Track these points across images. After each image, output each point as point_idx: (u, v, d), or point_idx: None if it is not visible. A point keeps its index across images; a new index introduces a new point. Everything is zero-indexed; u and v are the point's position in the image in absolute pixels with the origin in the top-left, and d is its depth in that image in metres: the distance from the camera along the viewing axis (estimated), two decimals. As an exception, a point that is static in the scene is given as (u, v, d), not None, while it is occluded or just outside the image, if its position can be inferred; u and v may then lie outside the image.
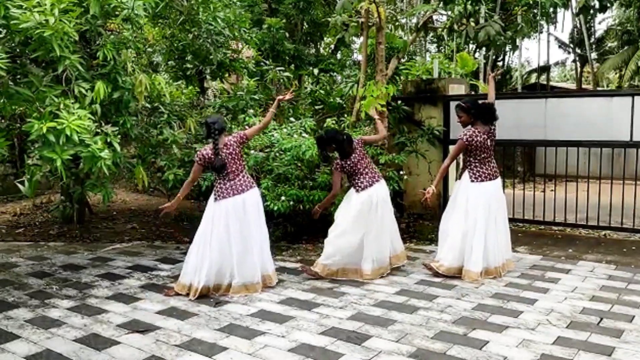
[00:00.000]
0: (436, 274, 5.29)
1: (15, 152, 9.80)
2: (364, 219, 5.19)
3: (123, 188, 11.04)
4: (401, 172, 7.12)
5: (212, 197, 4.94)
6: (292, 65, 9.96)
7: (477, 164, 5.27)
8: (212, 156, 4.79)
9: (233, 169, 4.86)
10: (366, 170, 5.26)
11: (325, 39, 12.31)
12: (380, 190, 5.29)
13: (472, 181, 5.27)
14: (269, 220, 6.62)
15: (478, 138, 5.20)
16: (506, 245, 5.42)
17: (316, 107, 9.37)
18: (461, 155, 5.48)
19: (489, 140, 5.26)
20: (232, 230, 4.80)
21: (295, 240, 6.72)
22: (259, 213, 5.01)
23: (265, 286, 4.98)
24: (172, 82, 7.45)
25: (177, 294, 4.85)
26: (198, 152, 4.93)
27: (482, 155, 5.25)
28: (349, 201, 5.31)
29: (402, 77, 8.55)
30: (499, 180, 5.39)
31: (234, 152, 4.86)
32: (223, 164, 4.80)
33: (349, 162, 5.24)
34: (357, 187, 5.24)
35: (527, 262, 5.76)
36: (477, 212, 5.18)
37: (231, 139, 4.90)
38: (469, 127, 5.29)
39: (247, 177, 4.97)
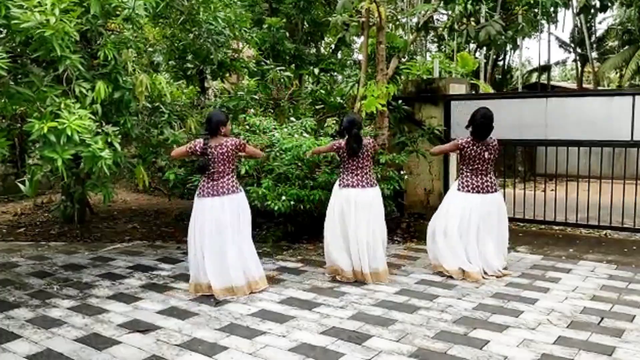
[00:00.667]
0: (439, 274, 5.30)
1: (16, 152, 9.84)
2: (344, 215, 5.13)
3: (124, 188, 11.05)
4: (402, 172, 7.12)
5: (196, 192, 4.98)
6: (293, 64, 9.93)
7: (468, 174, 5.28)
8: (200, 153, 4.80)
9: (220, 169, 4.80)
10: (357, 172, 5.15)
11: (325, 38, 12.27)
12: (363, 195, 5.11)
13: (458, 189, 5.33)
14: (270, 220, 6.66)
15: (472, 147, 5.20)
16: (496, 257, 5.30)
17: (317, 107, 9.36)
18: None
19: (486, 153, 5.20)
20: (207, 230, 4.78)
21: (295, 240, 6.72)
22: (241, 217, 4.89)
23: (252, 292, 4.86)
24: (172, 82, 7.43)
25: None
26: (194, 140, 5.00)
27: (475, 167, 5.23)
28: (334, 194, 5.32)
29: (402, 77, 8.54)
30: (491, 195, 5.24)
31: (226, 154, 4.80)
32: (204, 165, 4.78)
33: (343, 151, 5.17)
34: (340, 182, 5.23)
35: (527, 262, 5.76)
36: (462, 219, 5.22)
37: (229, 141, 4.85)
38: (470, 135, 5.28)
39: (233, 181, 4.88)
